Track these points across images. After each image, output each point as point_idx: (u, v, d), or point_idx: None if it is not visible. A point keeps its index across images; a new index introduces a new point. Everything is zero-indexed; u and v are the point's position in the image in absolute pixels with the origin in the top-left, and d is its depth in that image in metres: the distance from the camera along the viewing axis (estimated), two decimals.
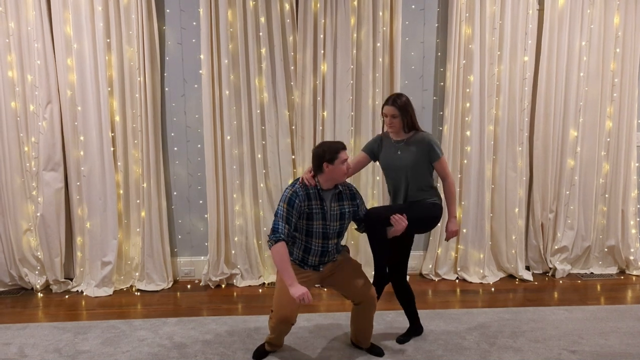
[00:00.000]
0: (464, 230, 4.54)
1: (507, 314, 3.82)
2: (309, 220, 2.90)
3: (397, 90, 4.32)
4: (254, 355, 3.19)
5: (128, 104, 4.19)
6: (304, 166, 4.36)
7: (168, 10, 4.23)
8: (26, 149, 4.18)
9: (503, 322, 3.67)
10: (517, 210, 4.51)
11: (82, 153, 4.18)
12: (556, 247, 4.66)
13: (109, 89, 4.15)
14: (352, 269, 3.11)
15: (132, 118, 4.22)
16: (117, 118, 4.20)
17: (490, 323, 3.66)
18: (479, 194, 4.49)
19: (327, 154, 2.82)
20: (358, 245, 4.55)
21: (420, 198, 3.11)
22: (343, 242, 3.33)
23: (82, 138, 4.16)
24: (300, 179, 2.95)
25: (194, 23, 4.22)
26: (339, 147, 2.85)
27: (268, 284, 4.47)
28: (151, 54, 4.15)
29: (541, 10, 4.38)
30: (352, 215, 3.03)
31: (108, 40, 4.10)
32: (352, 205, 3.01)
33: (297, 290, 2.70)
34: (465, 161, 4.46)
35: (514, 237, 4.54)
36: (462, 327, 3.59)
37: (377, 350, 3.24)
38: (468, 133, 4.42)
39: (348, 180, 3.16)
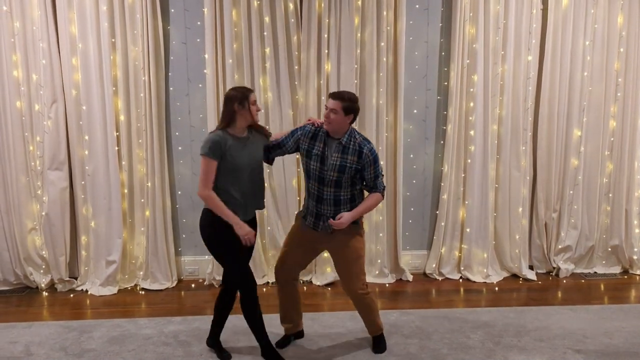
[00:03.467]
0: (468, 230, 4.54)
1: (512, 313, 3.82)
2: (308, 159, 2.99)
3: (401, 89, 4.32)
4: (278, 343, 3.29)
5: (133, 104, 4.20)
6: None
7: (172, 10, 4.23)
8: (31, 148, 4.19)
9: (507, 321, 3.68)
10: (520, 209, 4.52)
11: (86, 152, 4.19)
12: (560, 247, 4.66)
13: (114, 88, 4.15)
14: (345, 259, 3.06)
15: (136, 117, 4.22)
16: (122, 117, 4.20)
17: (495, 322, 3.66)
18: (482, 193, 4.49)
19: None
20: None
21: None
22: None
23: (86, 137, 4.17)
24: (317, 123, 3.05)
25: (199, 23, 4.23)
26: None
27: (272, 283, 4.48)
28: (156, 53, 4.15)
29: (545, 10, 4.37)
30: (355, 172, 2.93)
31: (113, 39, 4.10)
32: (356, 163, 2.91)
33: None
34: (469, 161, 4.46)
35: (517, 237, 4.54)
36: (466, 326, 3.60)
37: (380, 347, 3.25)
38: (472, 132, 4.42)
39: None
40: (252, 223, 3.09)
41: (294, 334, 3.40)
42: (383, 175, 3.09)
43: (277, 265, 3.22)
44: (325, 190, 2.97)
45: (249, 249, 3.05)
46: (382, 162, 4.38)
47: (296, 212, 3.30)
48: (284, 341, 3.36)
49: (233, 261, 2.97)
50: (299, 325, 3.40)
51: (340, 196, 2.97)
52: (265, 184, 4.33)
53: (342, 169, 2.92)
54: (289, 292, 3.26)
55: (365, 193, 3.13)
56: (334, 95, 2.90)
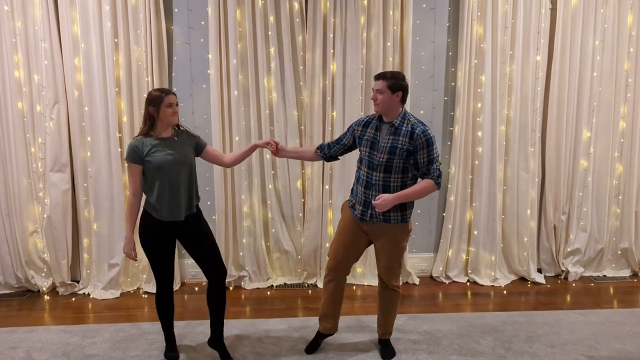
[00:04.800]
0: (475, 232, 4.47)
1: (521, 317, 3.75)
2: (360, 146, 2.98)
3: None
4: (307, 349, 3.26)
5: (136, 105, 4.14)
6: (313, 167, 4.31)
7: (176, 10, 4.18)
8: (33, 149, 4.14)
9: (517, 326, 3.61)
10: (529, 211, 4.45)
11: (89, 154, 4.14)
12: (569, 250, 4.59)
13: (117, 89, 4.10)
14: (390, 254, 2.98)
15: (139, 119, 4.13)
16: (125, 119, 4.15)
17: (504, 327, 3.59)
18: (490, 195, 4.42)
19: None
20: None
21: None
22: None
23: (89, 139, 4.12)
24: None
25: (202, 22, 4.17)
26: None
27: (276, 286, 4.42)
28: (159, 53, 4.10)
29: (554, 9, 4.31)
30: (407, 155, 2.81)
31: (116, 40, 4.05)
32: (407, 144, 2.80)
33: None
34: (477, 162, 4.40)
35: (525, 239, 4.47)
36: (475, 331, 3.53)
37: (389, 351, 3.18)
38: (479, 133, 4.35)
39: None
40: (191, 222, 3.03)
41: (329, 335, 3.29)
42: (440, 163, 2.90)
43: (330, 261, 3.11)
44: (375, 175, 2.87)
45: (171, 255, 3.06)
46: None
47: (343, 202, 3.23)
48: (315, 344, 3.26)
49: (154, 263, 3.04)
50: (336, 326, 3.28)
51: (390, 182, 2.85)
52: (270, 186, 4.30)
53: (393, 150, 2.81)
54: (338, 289, 3.14)
55: None
56: (377, 76, 2.87)
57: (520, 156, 4.41)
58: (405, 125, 2.85)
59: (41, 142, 4.12)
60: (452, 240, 4.52)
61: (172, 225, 2.95)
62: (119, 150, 4.15)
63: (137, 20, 4.04)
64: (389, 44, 4.20)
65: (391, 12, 4.16)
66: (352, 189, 3.11)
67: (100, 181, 4.18)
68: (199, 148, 3.09)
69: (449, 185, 4.45)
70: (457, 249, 4.53)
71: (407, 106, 4.20)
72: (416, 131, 2.81)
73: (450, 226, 4.48)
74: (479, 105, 4.32)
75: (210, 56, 4.11)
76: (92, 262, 4.30)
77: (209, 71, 4.16)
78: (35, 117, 4.11)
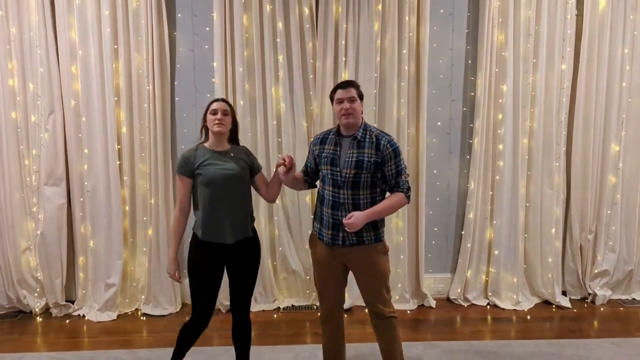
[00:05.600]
0: (496, 252, 4.19)
1: (550, 347, 3.46)
2: (320, 164, 2.73)
3: (424, 100, 4.01)
4: None
5: (136, 115, 3.94)
6: None
7: (179, 15, 3.97)
8: (27, 162, 3.93)
9: (546, 357, 3.32)
10: (553, 230, 4.17)
11: (85, 167, 3.92)
12: (596, 271, 4.29)
13: (116, 98, 3.90)
14: (371, 276, 2.69)
15: (139, 129, 3.95)
16: (124, 129, 3.94)
17: (532, 358, 3.30)
18: (512, 212, 4.16)
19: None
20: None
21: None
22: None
23: (86, 151, 3.90)
24: None
25: (207, 28, 3.96)
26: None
27: (283, 308, 4.15)
28: (161, 61, 3.89)
29: (580, 16, 4.07)
30: (375, 168, 2.59)
31: (115, 46, 3.86)
32: (374, 156, 2.59)
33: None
34: (498, 177, 4.14)
35: (550, 260, 4.19)
36: None
37: None
38: (500, 147, 4.10)
39: None
40: (242, 247, 2.74)
41: None
42: (408, 175, 2.72)
43: (322, 312, 2.87)
44: (342, 192, 2.63)
45: (214, 282, 2.72)
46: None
47: (309, 234, 2.95)
48: None
49: (194, 288, 2.73)
50: None
51: (359, 199, 2.62)
52: (277, 202, 4.05)
53: (360, 164, 2.59)
54: (335, 330, 2.88)
55: None
56: (346, 84, 2.67)
57: (544, 171, 4.15)
58: (368, 136, 2.64)
59: (35, 154, 3.90)
60: (471, 260, 4.25)
61: (219, 249, 2.67)
62: (118, 163, 3.92)
63: (138, 25, 3.84)
64: (404, 51, 3.96)
65: (407, 18, 3.94)
66: (315, 213, 2.84)
67: (98, 196, 3.95)
68: (253, 170, 2.82)
69: (468, 202, 4.18)
70: (476, 270, 4.25)
71: (424, 117, 4.05)
72: (382, 142, 2.61)
73: (469, 245, 4.21)
74: (500, 116, 4.07)
75: (215, 64, 3.90)
76: (88, 282, 4.05)
77: (213, 80, 3.95)
78: (30, 127, 3.90)
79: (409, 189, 2.68)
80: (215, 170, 2.61)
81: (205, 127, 2.73)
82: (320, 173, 2.75)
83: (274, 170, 2.80)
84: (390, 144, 2.61)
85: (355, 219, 2.51)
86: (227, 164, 2.66)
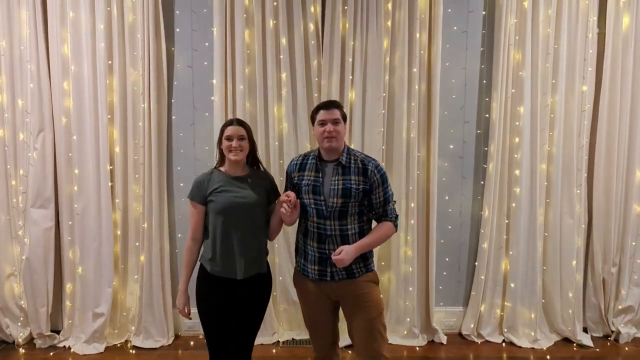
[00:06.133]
0: (512, 285, 3.91)
1: None
2: (301, 193, 2.50)
3: (436, 121, 3.78)
4: None
5: (130, 134, 3.74)
6: None
7: (178, 30, 3.78)
8: (13, 182, 3.72)
9: None
10: (574, 262, 3.88)
11: (76, 188, 3.71)
12: (620, 307, 3.99)
13: (109, 116, 3.70)
14: (364, 315, 2.44)
15: (133, 149, 3.75)
16: (117, 149, 3.73)
17: None
18: (529, 243, 3.88)
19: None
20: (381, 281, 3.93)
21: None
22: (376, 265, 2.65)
23: (76, 171, 3.70)
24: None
25: (207, 44, 3.76)
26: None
27: (283, 342, 3.87)
28: (157, 77, 3.69)
29: (602, 34, 3.84)
30: (363, 196, 2.42)
31: (110, 62, 3.68)
32: (362, 183, 2.41)
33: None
34: (514, 204, 3.87)
35: (570, 295, 3.89)
36: None
37: None
38: (517, 172, 3.84)
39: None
40: (255, 282, 2.51)
41: None
42: (395, 202, 2.55)
43: (313, 345, 2.66)
44: (329, 224, 2.42)
45: (226, 319, 2.48)
46: (412, 205, 3.81)
47: (292, 274, 2.70)
48: None
49: (205, 327, 2.51)
50: None
51: (347, 230, 2.42)
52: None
53: (347, 192, 2.40)
54: None
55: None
56: (329, 104, 2.48)
57: (564, 199, 3.89)
58: (353, 161, 2.46)
59: (23, 174, 3.69)
60: (485, 293, 3.96)
61: (228, 283, 2.46)
62: (110, 184, 3.70)
63: (134, 40, 3.65)
64: (414, 69, 3.74)
65: (418, 35, 3.72)
66: (297, 247, 2.60)
67: (88, 219, 3.73)
68: (271, 196, 2.59)
69: (482, 231, 3.91)
70: (490, 304, 3.96)
71: (435, 139, 3.81)
72: (369, 167, 2.45)
73: (482, 277, 3.92)
74: (517, 140, 3.82)
75: (214, 81, 3.70)
76: (75, 311, 3.81)
77: (212, 98, 3.74)
78: (18, 146, 3.71)
79: (397, 217, 2.54)
80: (229, 198, 2.42)
81: (220, 150, 2.55)
82: (301, 205, 2.49)
83: (275, 206, 2.56)
84: (377, 170, 2.45)
85: (345, 254, 2.31)
86: (242, 191, 2.46)
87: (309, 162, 2.53)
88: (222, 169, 2.54)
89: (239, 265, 2.44)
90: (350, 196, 2.40)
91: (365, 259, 2.49)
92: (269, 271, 2.62)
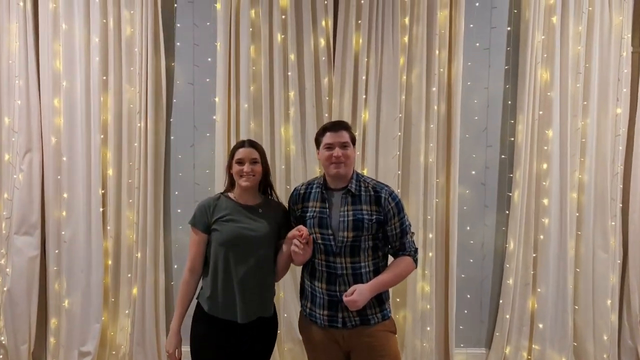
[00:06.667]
0: (540, 326, 3.57)
1: None
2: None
3: (456, 145, 3.50)
4: None
5: (124, 155, 3.50)
6: None
7: (178, 44, 3.54)
8: None
9: None
10: (609, 302, 3.56)
11: (64, 213, 3.46)
12: None
13: (102, 136, 3.47)
14: None
15: (128, 172, 3.50)
16: (110, 172, 3.48)
17: None
18: (559, 279, 3.58)
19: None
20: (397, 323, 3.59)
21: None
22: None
23: (65, 195, 3.45)
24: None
25: (209, 59, 3.52)
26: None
27: None
28: (156, 95, 3.46)
29: (637, 53, 3.61)
30: (377, 228, 2.15)
31: (105, 77, 3.46)
32: (375, 212, 2.15)
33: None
34: (542, 237, 3.57)
35: (605, 337, 3.56)
36: None
37: None
38: (545, 201, 3.54)
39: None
40: (258, 327, 2.21)
41: None
42: (413, 233, 2.27)
43: None
44: (339, 261, 2.14)
45: None
46: (430, 236, 3.50)
47: (298, 320, 2.39)
48: None
49: None
50: None
51: (359, 268, 2.14)
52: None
53: (359, 224, 2.12)
54: None
55: None
56: (337, 126, 2.23)
57: (596, 231, 3.60)
58: (364, 189, 2.20)
59: (7, 198, 3.43)
60: (510, 334, 3.63)
61: (229, 326, 2.17)
62: (101, 210, 3.43)
63: (132, 54, 3.43)
64: (433, 89, 3.49)
65: (437, 52, 3.48)
66: (303, 289, 2.31)
67: (76, 247, 3.46)
68: (282, 231, 2.30)
69: (507, 265, 3.59)
70: (516, 346, 3.62)
71: (456, 164, 3.53)
72: (382, 195, 2.19)
73: (508, 316, 3.59)
74: (545, 166, 3.53)
75: (217, 99, 3.46)
76: (59, 348, 3.51)
77: (214, 117, 3.49)
78: (3, 167, 3.47)
79: (416, 250, 2.27)
80: (235, 229, 2.16)
81: (229, 174, 2.31)
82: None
83: (282, 242, 2.26)
84: (392, 198, 2.19)
85: (358, 294, 2.02)
86: (251, 222, 2.19)
87: (314, 191, 2.26)
88: (231, 195, 2.28)
89: (241, 308, 2.15)
90: (362, 229, 2.12)
91: (381, 302, 2.19)
92: (275, 315, 2.32)
